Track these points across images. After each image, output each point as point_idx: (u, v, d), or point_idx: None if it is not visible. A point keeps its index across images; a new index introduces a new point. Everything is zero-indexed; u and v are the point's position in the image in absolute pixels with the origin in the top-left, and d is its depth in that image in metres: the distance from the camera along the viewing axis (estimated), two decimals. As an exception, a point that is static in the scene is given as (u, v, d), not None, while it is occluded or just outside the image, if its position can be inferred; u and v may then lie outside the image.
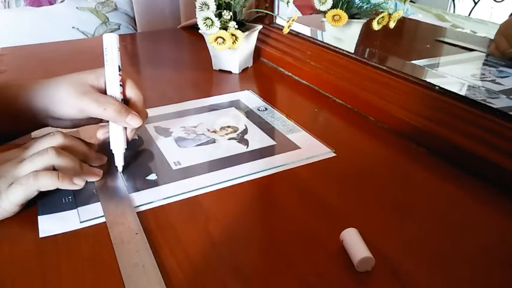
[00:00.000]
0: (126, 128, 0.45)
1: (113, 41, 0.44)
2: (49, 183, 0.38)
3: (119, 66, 0.44)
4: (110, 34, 0.44)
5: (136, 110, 0.45)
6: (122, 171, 0.45)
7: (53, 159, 0.38)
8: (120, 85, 0.44)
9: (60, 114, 0.44)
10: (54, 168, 0.39)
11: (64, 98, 0.43)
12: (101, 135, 0.47)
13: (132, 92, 0.46)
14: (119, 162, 0.44)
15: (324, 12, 0.75)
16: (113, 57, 0.44)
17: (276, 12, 0.84)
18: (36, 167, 0.38)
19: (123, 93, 0.45)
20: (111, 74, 0.44)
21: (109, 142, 0.44)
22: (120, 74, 0.44)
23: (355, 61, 0.65)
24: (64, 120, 0.45)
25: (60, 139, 0.41)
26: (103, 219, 0.38)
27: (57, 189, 0.39)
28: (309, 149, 0.50)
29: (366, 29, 0.78)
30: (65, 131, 0.43)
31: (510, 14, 0.64)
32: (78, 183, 0.40)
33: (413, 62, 0.68)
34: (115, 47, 0.44)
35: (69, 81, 0.43)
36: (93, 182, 0.42)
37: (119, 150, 0.44)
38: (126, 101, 0.45)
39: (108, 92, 0.44)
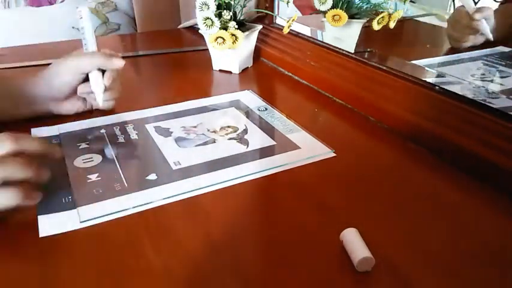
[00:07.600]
0: (103, 74, 0.54)
1: (85, 12, 0.55)
2: (4, 204, 0.35)
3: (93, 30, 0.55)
4: (81, 7, 0.55)
5: None
6: (118, 164, 0.45)
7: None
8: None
9: (61, 87, 0.53)
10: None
11: (58, 70, 0.53)
12: (81, 88, 0.55)
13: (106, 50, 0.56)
14: (99, 99, 0.54)
15: (324, 12, 0.75)
16: (87, 24, 0.55)
17: (276, 12, 0.84)
18: None
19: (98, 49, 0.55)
20: (88, 35, 0.55)
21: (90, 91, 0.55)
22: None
23: (355, 61, 0.65)
24: (64, 99, 0.55)
25: (8, 146, 0.37)
26: (103, 219, 0.38)
27: (57, 189, 0.39)
28: (309, 149, 0.50)
29: (366, 29, 0.78)
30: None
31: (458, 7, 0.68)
32: (34, 198, 0.38)
33: (413, 62, 0.68)
34: (87, 17, 0.55)
35: (53, 64, 0.54)
36: (93, 181, 0.42)
37: (99, 90, 0.54)
38: None
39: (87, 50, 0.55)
